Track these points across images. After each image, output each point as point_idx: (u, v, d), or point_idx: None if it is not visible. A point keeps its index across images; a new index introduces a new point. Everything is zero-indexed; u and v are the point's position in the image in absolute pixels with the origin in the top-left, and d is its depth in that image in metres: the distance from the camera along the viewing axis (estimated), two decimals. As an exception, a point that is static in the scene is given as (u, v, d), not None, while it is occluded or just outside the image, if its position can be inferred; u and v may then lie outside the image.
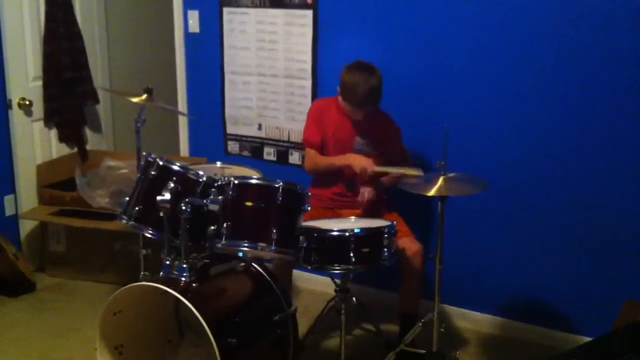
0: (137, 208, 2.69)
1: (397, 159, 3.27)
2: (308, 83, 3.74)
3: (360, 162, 3.11)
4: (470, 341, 3.43)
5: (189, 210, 2.51)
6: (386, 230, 2.68)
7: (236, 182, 2.60)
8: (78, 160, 4.28)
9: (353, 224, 2.95)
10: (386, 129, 3.28)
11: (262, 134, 3.99)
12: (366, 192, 3.17)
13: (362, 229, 2.65)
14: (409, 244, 3.06)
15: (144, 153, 2.83)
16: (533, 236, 3.32)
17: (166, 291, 2.42)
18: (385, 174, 3.19)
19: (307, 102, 3.72)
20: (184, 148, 4.27)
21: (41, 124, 4.14)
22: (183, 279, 2.53)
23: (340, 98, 3.14)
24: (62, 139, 4.28)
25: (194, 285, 2.52)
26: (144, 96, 3.08)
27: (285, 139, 3.90)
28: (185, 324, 2.95)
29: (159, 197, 2.52)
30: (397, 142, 3.30)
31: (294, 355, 2.74)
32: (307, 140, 3.32)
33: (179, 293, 2.39)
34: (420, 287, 3.16)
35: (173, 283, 2.49)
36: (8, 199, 4.06)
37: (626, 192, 3.08)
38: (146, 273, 3.02)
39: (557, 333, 3.33)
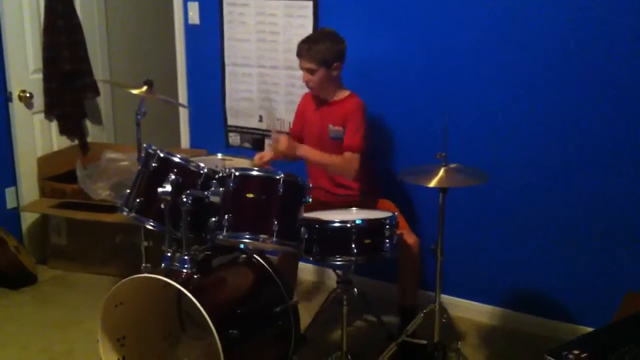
0: (138, 200, 2.69)
1: (345, 143, 3.12)
2: (308, 74, 3.73)
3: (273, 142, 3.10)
4: (471, 332, 3.44)
5: (190, 202, 2.51)
6: (387, 221, 2.68)
7: (237, 173, 2.60)
8: (79, 153, 4.28)
9: (355, 215, 2.95)
10: (346, 109, 3.16)
11: (262, 126, 3.98)
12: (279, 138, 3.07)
13: (363, 220, 2.65)
14: (405, 236, 3.06)
15: (144, 145, 2.83)
16: (534, 227, 3.32)
17: (167, 283, 2.43)
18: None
19: (308, 93, 3.72)
20: (184, 140, 4.27)
21: (42, 116, 4.14)
22: (184, 270, 2.53)
23: None
24: (62, 131, 4.27)
25: (195, 277, 2.52)
26: (144, 88, 3.08)
27: (286, 130, 3.89)
28: (186, 316, 2.95)
29: (159, 189, 2.52)
30: (351, 120, 3.12)
31: (295, 347, 2.75)
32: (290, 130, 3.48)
33: (180, 285, 2.40)
34: (417, 279, 3.17)
35: (174, 275, 2.49)
36: (9, 192, 4.06)
37: (626, 183, 3.08)
38: (147, 265, 3.01)
39: (558, 324, 3.34)
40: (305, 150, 3.12)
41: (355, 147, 3.10)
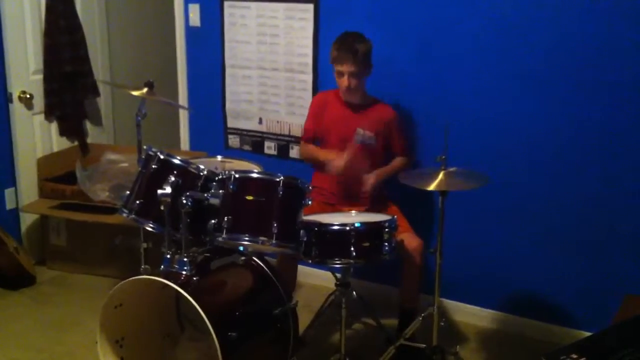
0: (137, 202, 2.69)
1: (398, 149, 3.31)
2: (309, 77, 3.74)
3: (335, 162, 3.10)
4: (470, 336, 3.44)
5: (189, 204, 2.51)
6: (387, 224, 2.68)
7: (237, 176, 2.60)
8: (79, 154, 4.29)
9: (354, 218, 2.95)
10: (384, 118, 3.28)
11: (262, 128, 3.98)
12: (370, 179, 3.16)
13: (362, 223, 2.65)
14: (408, 239, 3.06)
15: (144, 147, 2.83)
16: (533, 231, 3.32)
17: (167, 285, 2.43)
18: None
19: (308, 96, 3.72)
20: (184, 142, 4.27)
21: (42, 117, 4.14)
22: (183, 272, 2.53)
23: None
24: (62, 132, 4.28)
25: (194, 279, 2.52)
26: (145, 90, 3.08)
27: (286, 133, 3.90)
28: (184, 317, 2.95)
29: (159, 191, 2.52)
30: (395, 129, 3.31)
31: (294, 349, 2.75)
32: (303, 131, 3.47)
33: (179, 287, 2.40)
34: (420, 282, 3.17)
35: (173, 277, 2.49)
36: (9, 192, 4.06)
37: (626, 187, 3.08)
38: (147, 267, 3.02)
39: (556, 328, 3.34)
40: (380, 175, 3.22)
41: (407, 151, 3.38)
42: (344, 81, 3.14)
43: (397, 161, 3.35)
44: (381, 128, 3.26)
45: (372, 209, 3.19)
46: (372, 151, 3.25)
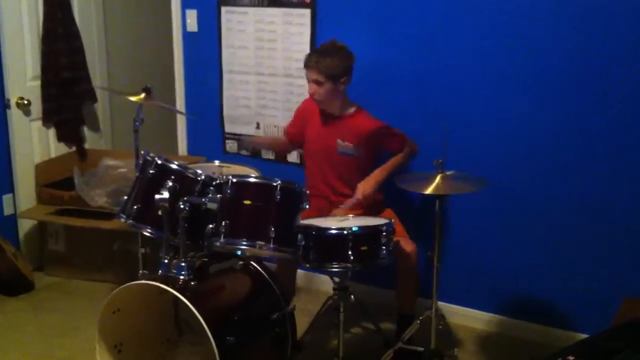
0: (135, 207, 2.70)
1: (397, 147, 3.25)
2: (306, 82, 3.74)
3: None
4: (468, 339, 3.44)
5: (187, 209, 2.51)
6: (384, 228, 2.68)
7: (234, 180, 2.61)
8: (76, 160, 4.28)
9: (351, 222, 2.95)
10: (365, 129, 3.21)
11: (260, 133, 3.99)
12: (362, 188, 3.11)
13: (360, 228, 2.65)
14: (403, 244, 3.07)
15: (142, 152, 2.84)
16: (531, 234, 3.33)
17: (165, 290, 2.43)
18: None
19: (306, 101, 3.73)
20: (182, 147, 4.28)
21: (39, 123, 4.14)
22: (181, 277, 2.53)
23: None
24: (60, 138, 4.28)
25: (192, 283, 2.52)
26: (143, 95, 3.09)
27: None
28: (183, 322, 2.95)
29: (157, 196, 2.52)
30: (384, 138, 3.25)
31: (292, 354, 2.75)
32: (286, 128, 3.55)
33: (177, 291, 2.40)
34: (415, 286, 3.18)
35: (171, 282, 2.50)
36: (7, 199, 4.06)
37: (625, 189, 3.09)
38: (145, 272, 3.02)
39: (555, 330, 3.34)
40: (379, 177, 3.14)
41: (404, 139, 3.25)
42: (309, 88, 3.14)
43: (397, 156, 3.25)
44: (362, 140, 3.20)
45: (367, 212, 3.19)
46: (356, 162, 3.23)
